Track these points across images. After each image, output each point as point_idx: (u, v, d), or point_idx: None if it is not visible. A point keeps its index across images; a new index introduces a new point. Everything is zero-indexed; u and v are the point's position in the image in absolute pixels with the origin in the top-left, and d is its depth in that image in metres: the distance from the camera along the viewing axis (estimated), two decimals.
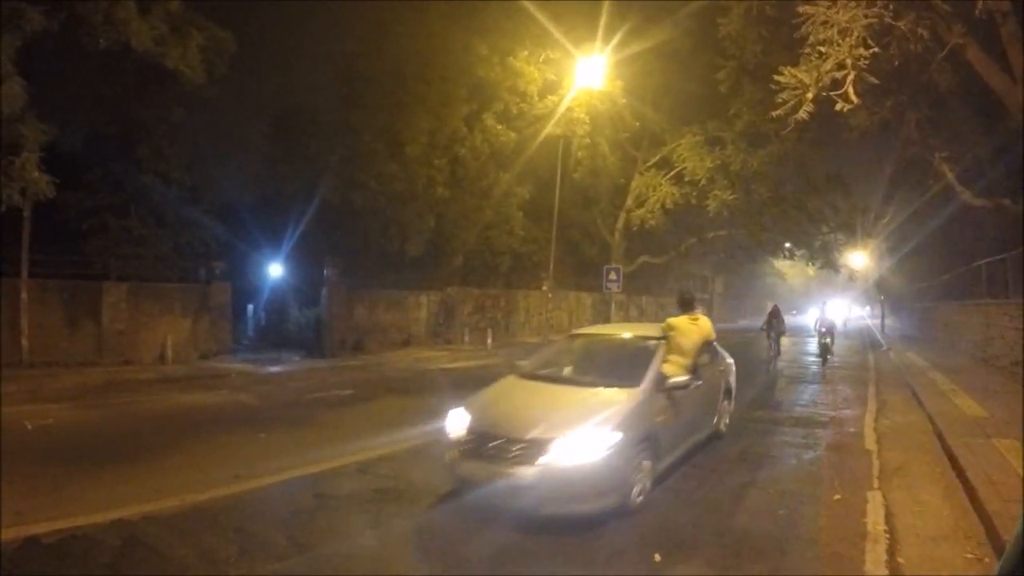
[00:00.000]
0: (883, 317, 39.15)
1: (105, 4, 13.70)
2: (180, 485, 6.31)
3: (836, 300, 54.22)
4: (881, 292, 40.27)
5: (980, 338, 17.74)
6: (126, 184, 16.74)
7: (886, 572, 4.93)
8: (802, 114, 12.94)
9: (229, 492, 6.29)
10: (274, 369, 16.31)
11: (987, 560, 5.08)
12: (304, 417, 10.40)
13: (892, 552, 5.32)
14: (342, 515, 5.93)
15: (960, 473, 7.29)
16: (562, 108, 24.16)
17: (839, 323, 35.78)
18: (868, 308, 63.04)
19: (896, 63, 13.54)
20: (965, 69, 14.19)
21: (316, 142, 22.30)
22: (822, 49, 12.55)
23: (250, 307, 20.19)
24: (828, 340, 20.30)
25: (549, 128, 24.38)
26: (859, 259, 42.80)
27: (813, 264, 42.67)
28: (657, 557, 5.11)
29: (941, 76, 14.92)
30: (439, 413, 10.67)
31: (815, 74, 12.58)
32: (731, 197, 28.36)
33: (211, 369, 15.63)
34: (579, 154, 26.92)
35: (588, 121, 25.83)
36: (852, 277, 47.18)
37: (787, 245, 38.76)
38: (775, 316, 19.39)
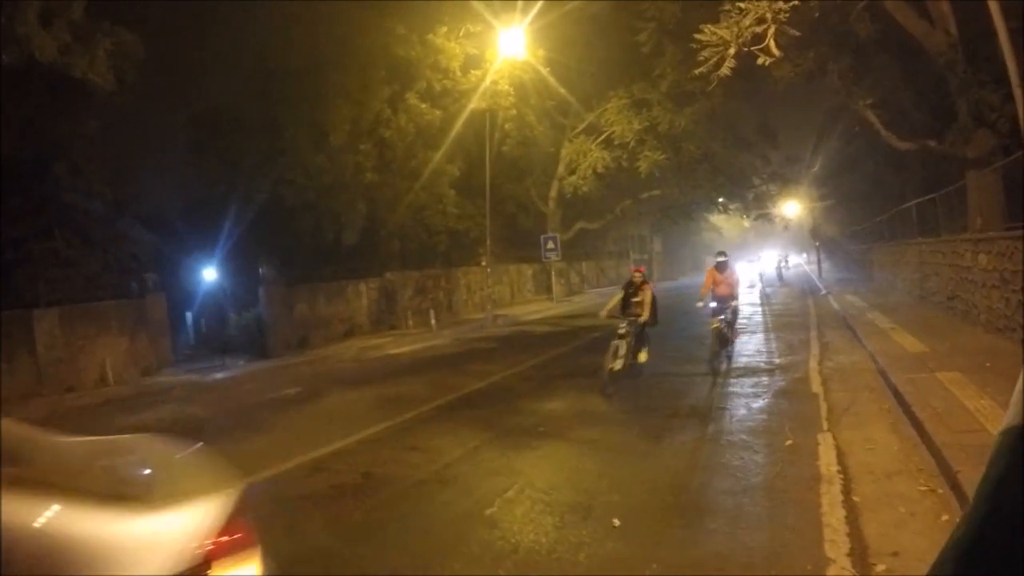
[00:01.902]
0: (819, 263, 40.10)
1: (3, 21, 13.01)
2: None
3: (772, 251, 55.42)
4: (816, 239, 41.20)
5: (915, 277, 18.26)
6: (46, 206, 16.01)
7: (843, 512, 5.03)
8: (725, 71, 13.07)
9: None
10: (219, 376, 15.90)
11: (940, 491, 5.23)
12: (253, 422, 10.14)
13: (847, 491, 5.45)
14: (299, 516, 5.78)
15: (906, 408, 7.51)
16: (486, 82, 23.96)
17: (778, 270, 36.66)
18: (804, 255, 64.59)
19: (816, 14, 13.74)
20: (884, 17, 14.44)
21: (239, 141, 21.70)
22: (742, 5, 12.67)
23: (188, 315, 19.60)
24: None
25: (474, 103, 24.16)
26: (792, 208, 43.76)
27: (748, 216, 43.51)
28: (616, 521, 5.13)
29: (860, 25, 15.21)
30: (389, 401, 10.71)
31: (735, 30, 12.70)
32: (661, 157, 28.66)
33: (155, 385, 15.15)
34: (506, 126, 26.80)
35: (513, 93, 25.72)
36: (787, 226, 48.22)
37: (720, 200, 39.36)
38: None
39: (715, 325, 11.54)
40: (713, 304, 11.87)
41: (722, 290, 11.96)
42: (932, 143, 14.63)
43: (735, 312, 12.37)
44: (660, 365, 11.82)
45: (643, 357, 10.81)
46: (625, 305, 10.80)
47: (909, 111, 16.79)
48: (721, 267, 12.09)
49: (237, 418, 10.74)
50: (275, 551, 4.95)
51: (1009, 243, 10.17)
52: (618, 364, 9.93)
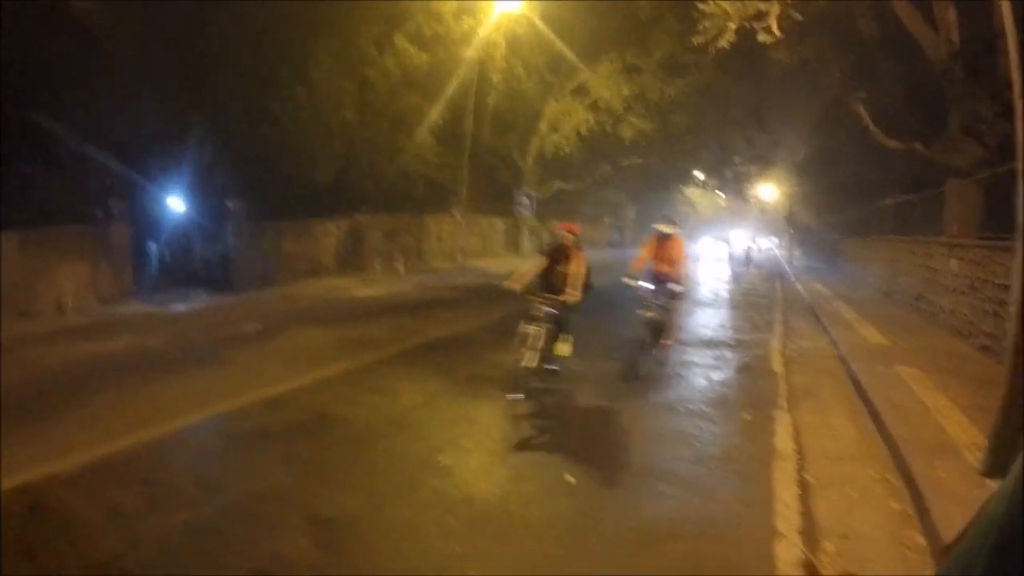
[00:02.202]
0: (791, 248, 40.43)
1: None
2: (85, 440, 5.85)
3: (743, 231, 55.65)
4: (790, 225, 41.50)
5: (885, 273, 18.48)
6: (12, 126, 15.37)
7: (796, 490, 5.10)
8: (724, 43, 12.93)
9: (136, 441, 5.89)
10: (180, 309, 15.57)
11: (891, 480, 5.32)
12: (212, 356, 9.96)
13: (801, 470, 5.52)
14: (253, 454, 5.69)
15: (865, 397, 7.62)
16: (482, 31, 23.50)
17: (747, 252, 36.71)
18: (776, 239, 65.15)
19: (822, 2, 13.66)
20: (889, 16, 14.38)
21: (222, 69, 20.99)
22: None
23: (152, 245, 19.07)
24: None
25: (465, 51, 23.72)
26: (770, 192, 43.94)
27: (725, 194, 43.70)
28: (571, 479, 5.14)
29: (865, 22, 15.15)
30: (350, 343, 10.61)
31: (739, 4, 12.55)
32: (647, 126, 28.50)
33: (114, 314, 14.73)
34: (494, 78, 26.36)
35: (504, 44, 25.23)
36: (763, 209, 48.50)
37: (700, 175, 39.42)
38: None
39: (649, 314, 8.82)
40: (646, 285, 9.01)
41: (662, 268, 9.19)
42: (919, 146, 14.71)
43: (675, 299, 9.23)
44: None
45: (564, 350, 7.72)
46: (548, 277, 7.79)
47: (901, 113, 16.83)
48: (663, 237, 9.17)
49: (195, 351, 10.54)
50: (227, 486, 4.92)
51: (983, 252, 10.29)
52: (531, 359, 7.18)
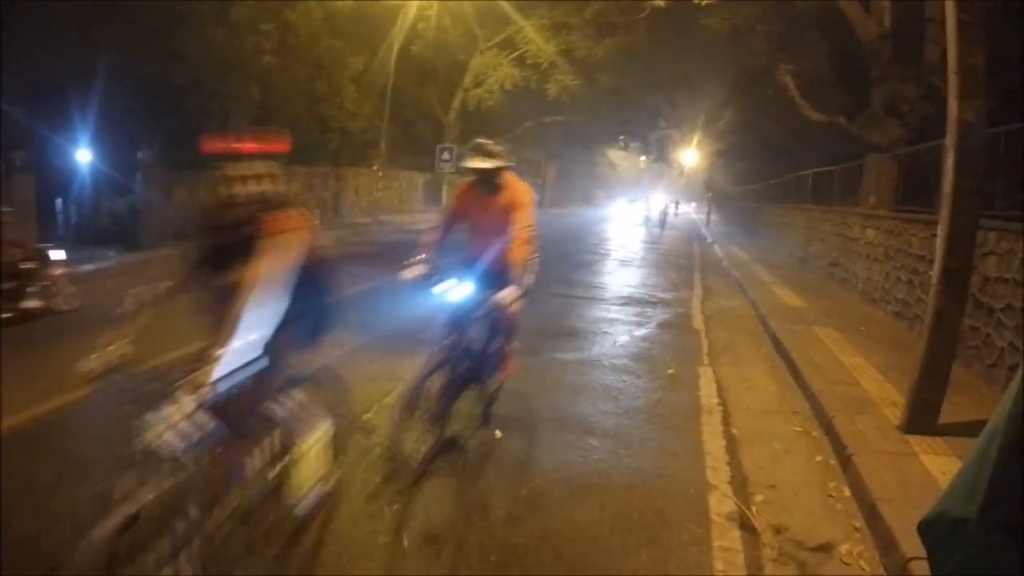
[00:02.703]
0: (709, 213, 41.16)
1: None
2: None
3: (662, 195, 56.37)
4: (709, 189, 42.22)
5: (800, 240, 19.07)
6: None
7: (723, 442, 5.21)
8: (660, 2, 12.88)
9: (44, 409, 5.47)
10: (87, 268, 14.62)
11: (814, 434, 5.51)
12: (120, 317, 9.37)
13: (727, 424, 5.66)
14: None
15: (784, 354, 7.83)
16: None
17: (662, 215, 37.06)
18: (694, 204, 66.44)
19: None
20: None
21: (130, 6, 19.64)
22: None
23: (59, 201, 17.91)
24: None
25: None
26: (691, 156, 44.54)
27: (647, 157, 44.12)
28: (498, 433, 5.06)
29: None
30: None
31: None
32: (573, 83, 28.35)
33: (16, 273, 13.81)
34: (419, 26, 25.67)
35: None
36: (683, 173, 49.23)
37: (622, 137, 39.61)
38: None
39: (447, 341, 4.54)
40: (451, 285, 4.48)
41: (476, 244, 4.81)
42: (842, 121, 15.12)
43: (496, 313, 4.60)
44: None
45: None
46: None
47: (826, 87, 17.26)
48: (486, 184, 4.69)
49: (102, 313, 9.92)
50: (135, 459, 4.57)
51: (898, 223, 10.71)
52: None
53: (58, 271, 9.92)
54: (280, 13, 21.52)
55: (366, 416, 5.35)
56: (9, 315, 8.65)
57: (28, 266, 9.39)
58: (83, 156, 17.99)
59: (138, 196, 18.17)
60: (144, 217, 17.98)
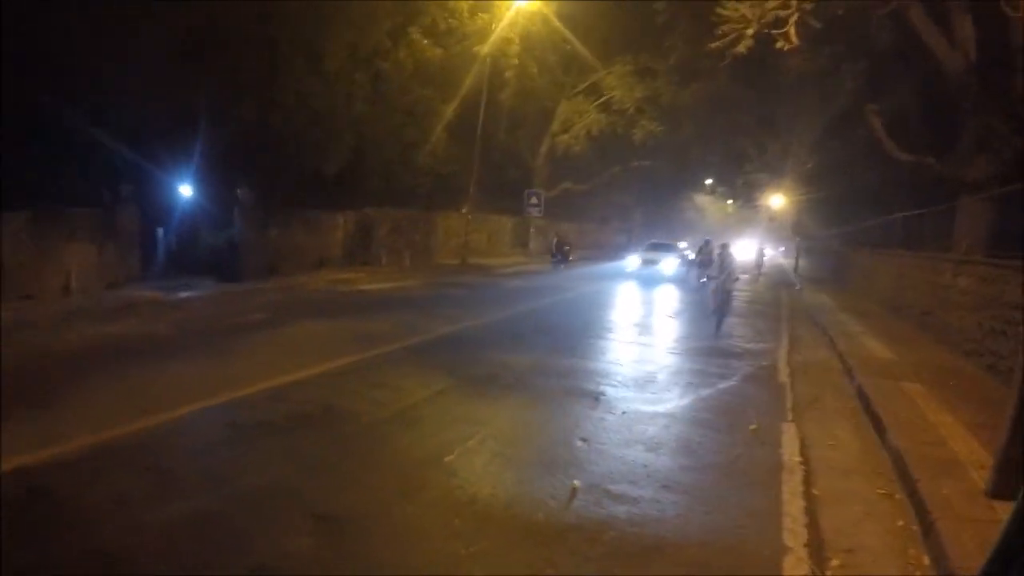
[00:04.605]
0: (797, 258, 40.21)
1: None
2: (87, 424, 5.83)
3: (748, 239, 55.24)
4: (797, 234, 41.28)
5: (892, 287, 18.35)
6: (21, 106, 15.28)
7: (803, 503, 5.06)
8: (742, 48, 12.96)
9: (139, 427, 5.88)
10: (185, 296, 15.54)
11: (897, 496, 5.29)
12: (216, 344, 9.95)
13: (808, 483, 5.48)
14: (256, 445, 5.67)
15: (870, 411, 7.57)
16: (495, 27, 23.50)
17: (764, 260, 36.20)
18: (782, 248, 64.92)
19: (840, 12, 13.66)
20: (905, 28, 14.36)
21: (231, 57, 20.89)
22: None
23: (160, 231, 19.04)
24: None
25: (478, 47, 23.72)
26: (778, 200, 43.76)
27: (734, 202, 43.58)
28: (576, 483, 5.11)
29: (881, 33, 15.15)
30: (355, 336, 10.59)
31: (759, 11, 12.60)
32: (658, 129, 28.47)
33: (119, 298, 14.69)
34: (507, 75, 26.35)
35: (518, 42, 25.24)
36: (772, 218, 48.33)
37: (708, 181, 39.35)
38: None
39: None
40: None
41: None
42: (932, 160, 14.68)
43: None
44: None
45: None
46: None
47: (914, 125, 16.81)
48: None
49: (199, 339, 10.52)
50: (230, 477, 4.89)
51: (992, 270, 10.23)
52: None
53: None
54: (372, 63, 22.49)
55: (448, 459, 5.49)
56: None
57: None
58: (185, 191, 19.09)
59: (235, 231, 19.10)
60: (240, 251, 18.87)
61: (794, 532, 4.53)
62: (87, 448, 5.33)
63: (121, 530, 4.07)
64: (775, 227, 59.27)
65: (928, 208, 15.74)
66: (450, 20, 24.28)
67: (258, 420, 6.28)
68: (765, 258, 35.58)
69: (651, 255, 26.53)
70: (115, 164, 17.15)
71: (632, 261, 27.02)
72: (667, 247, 28.71)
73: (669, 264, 26.00)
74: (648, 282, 24.34)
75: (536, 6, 23.70)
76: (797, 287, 26.80)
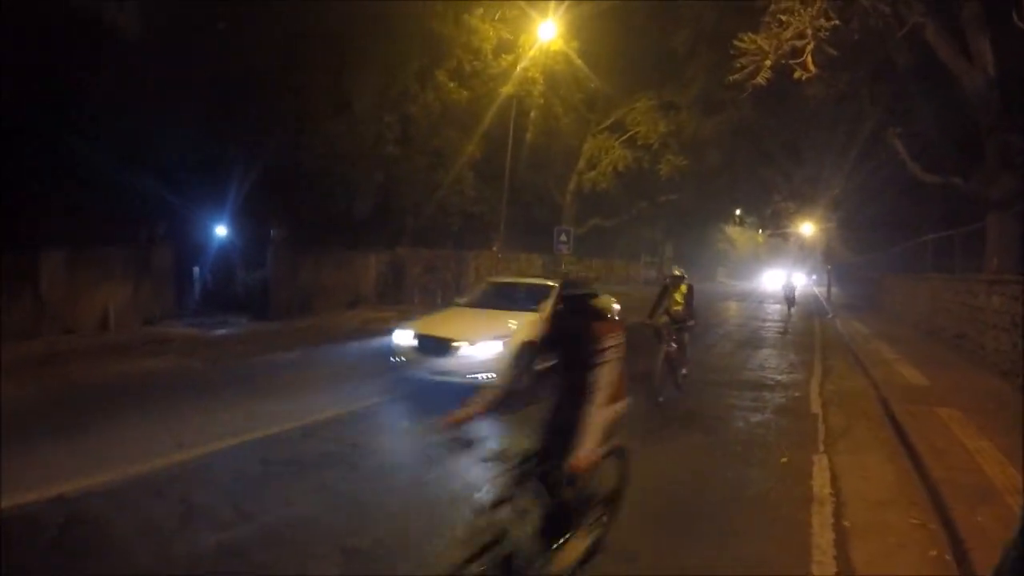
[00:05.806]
0: (829, 285, 39.80)
1: None
2: (123, 456, 6.05)
3: (779, 269, 54.75)
4: (828, 261, 40.88)
5: (925, 310, 18.08)
6: (58, 148, 15.85)
7: (832, 535, 4.99)
8: (760, 80, 13.02)
9: (173, 461, 6.07)
10: (219, 332, 15.86)
11: (931, 526, 5.19)
12: (248, 381, 10.13)
13: (838, 515, 5.40)
14: (287, 481, 5.77)
15: (904, 439, 7.45)
16: (519, 68, 23.86)
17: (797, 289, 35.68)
18: (814, 276, 64.21)
19: (856, 37, 13.67)
20: (923, 48, 14.33)
21: (257, 103, 21.46)
22: (783, 17, 12.64)
23: (195, 270, 19.52)
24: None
25: (503, 88, 24.07)
26: (808, 228, 43.44)
27: (763, 231, 43.32)
28: (604, 518, 5.07)
29: (899, 54, 15.12)
30: (385, 375, 10.68)
31: (775, 42, 12.69)
32: (683, 162, 28.55)
33: (155, 334, 15.08)
34: (532, 114, 26.67)
35: (542, 81, 25.56)
36: (802, 245, 47.93)
37: (737, 212, 39.19)
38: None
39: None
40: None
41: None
42: (957, 180, 14.54)
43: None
44: None
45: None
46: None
47: (937, 145, 16.67)
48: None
49: (233, 376, 10.71)
50: (259, 511, 4.98)
51: None
52: None
53: None
54: (401, 106, 22.91)
55: (477, 496, 5.51)
56: None
57: None
58: (220, 231, 19.49)
59: (268, 270, 19.43)
60: (273, 290, 19.17)
61: (822, 564, 4.49)
62: (123, 479, 5.50)
63: (154, 558, 4.20)
64: (806, 255, 58.76)
65: (957, 229, 15.57)
66: (475, 62, 24.67)
67: (287, 457, 6.39)
68: (796, 292, 34.57)
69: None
70: (151, 204, 17.63)
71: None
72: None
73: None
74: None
75: (558, 45, 24.01)
76: (829, 315, 26.48)
